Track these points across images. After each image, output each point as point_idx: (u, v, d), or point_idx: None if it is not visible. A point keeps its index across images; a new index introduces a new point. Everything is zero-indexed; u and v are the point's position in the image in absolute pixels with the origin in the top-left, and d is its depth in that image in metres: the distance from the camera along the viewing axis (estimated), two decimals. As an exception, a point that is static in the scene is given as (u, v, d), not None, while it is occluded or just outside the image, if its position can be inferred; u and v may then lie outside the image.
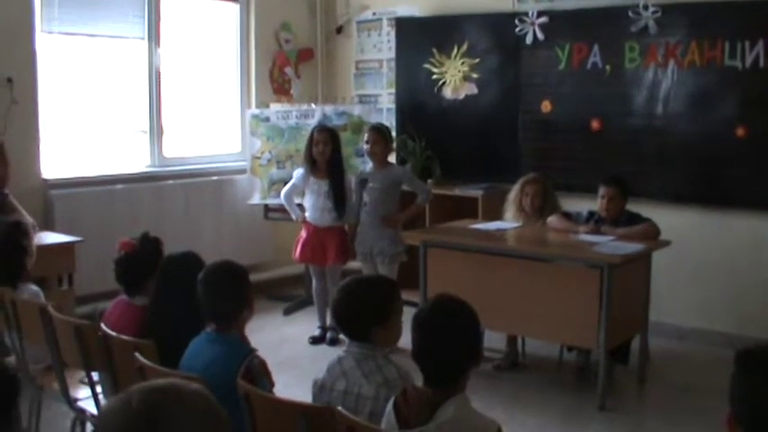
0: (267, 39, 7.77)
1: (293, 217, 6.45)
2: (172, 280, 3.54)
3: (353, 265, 6.38)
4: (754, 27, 5.85)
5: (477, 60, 7.12)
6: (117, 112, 6.84)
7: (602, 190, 5.55)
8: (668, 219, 5.74)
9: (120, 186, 6.57)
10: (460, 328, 2.53)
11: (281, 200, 6.50)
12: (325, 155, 6.13)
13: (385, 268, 5.98)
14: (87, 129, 6.63)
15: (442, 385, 2.48)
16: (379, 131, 6.14)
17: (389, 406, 2.55)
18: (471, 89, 7.19)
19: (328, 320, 6.32)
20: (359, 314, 2.93)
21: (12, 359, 4.21)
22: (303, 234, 6.35)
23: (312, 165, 6.19)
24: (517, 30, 6.82)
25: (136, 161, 6.90)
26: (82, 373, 3.78)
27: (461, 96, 7.25)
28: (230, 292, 3.22)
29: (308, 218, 6.30)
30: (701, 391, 5.24)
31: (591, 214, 5.62)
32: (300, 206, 6.40)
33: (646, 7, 6.22)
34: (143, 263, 3.74)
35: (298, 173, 6.34)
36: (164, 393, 1.58)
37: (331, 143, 6.16)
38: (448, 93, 7.30)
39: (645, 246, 5.26)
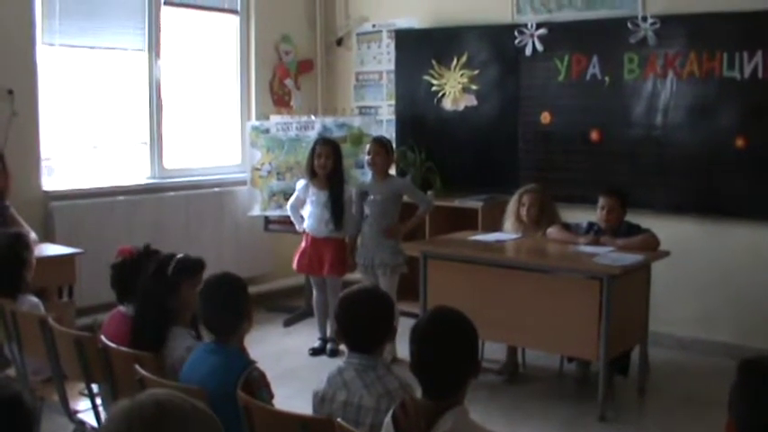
0: (267, 50, 7.78)
1: (299, 229, 6.46)
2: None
3: (354, 276, 6.37)
4: (752, 38, 5.87)
5: (476, 72, 7.14)
6: (117, 124, 6.85)
7: (601, 201, 5.56)
8: (668, 229, 5.74)
9: (120, 198, 6.57)
10: (459, 339, 2.53)
11: (288, 212, 6.51)
12: (326, 168, 6.15)
13: (386, 279, 5.97)
14: (88, 141, 6.64)
15: (441, 397, 2.48)
16: (382, 143, 6.16)
17: (388, 418, 2.55)
18: (471, 101, 7.21)
19: (329, 332, 6.32)
20: (373, 330, 2.97)
21: (11, 371, 4.22)
22: (302, 244, 6.37)
23: (312, 176, 6.20)
24: (516, 41, 6.84)
25: (136, 173, 6.91)
26: (82, 385, 3.79)
27: (461, 108, 7.26)
28: (229, 304, 3.23)
29: (306, 228, 6.31)
30: (701, 402, 5.24)
31: (591, 225, 5.63)
32: (303, 218, 6.41)
33: (645, 19, 6.25)
34: (139, 272, 3.75)
35: (300, 184, 6.36)
36: (171, 403, 1.63)
37: (333, 156, 6.17)
38: (447, 104, 7.32)
39: (644, 257, 5.26)
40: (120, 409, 1.63)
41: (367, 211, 6.12)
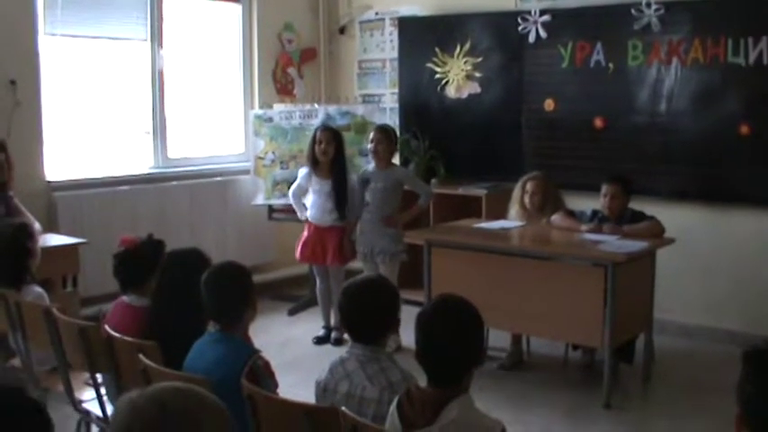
0: (270, 39, 7.76)
1: (300, 217, 6.45)
2: (174, 276, 3.54)
3: (357, 265, 6.37)
4: (757, 24, 5.84)
5: (479, 59, 7.11)
6: (120, 114, 6.84)
7: (604, 188, 5.55)
8: (672, 216, 5.73)
9: (124, 188, 6.57)
10: (463, 327, 2.52)
11: (290, 200, 6.50)
12: (328, 154, 6.13)
13: (386, 267, 5.98)
14: (91, 130, 6.64)
15: (446, 385, 2.48)
16: (385, 131, 6.15)
17: (393, 406, 2.55)
18: (474, 88, 7.18)
19: (332, 320, 6.32)
20: (377, 321, 2.96)
21: (16, 361, 4.23)
22: (305, 233, 6.36)
23: (315, 165, 6.19)
24: (520, 28, 6.81)
25: (140, 162, 6.91)
26: (86, 375, 3.78)
27: (464, 95, 7.24)
28: (233, 293, 3.23)
29: (309, 217, 6.30)
30: (706, 389, 5.23)
31: (595, 213, 5.62)
32: (305, 206, 6.40)
33: (648, 5, 6.21)
34: (141, 261, 3.75)
35: (302, 172, 6.35)
36: (192, 397, 1.61)
37: (334, 143, 6.16)
38: (451, 92, 7.30)
39: (649, 243, 5.25)
40: (122, 405, 1.60)
41: (368, 198, 6.12)
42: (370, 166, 6.27)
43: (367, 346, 2.93)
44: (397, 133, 6.70)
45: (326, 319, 6.40)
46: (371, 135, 6.17)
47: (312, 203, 6.27)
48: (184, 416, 1.58)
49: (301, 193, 6.39)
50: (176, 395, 1.61)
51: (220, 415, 1.64)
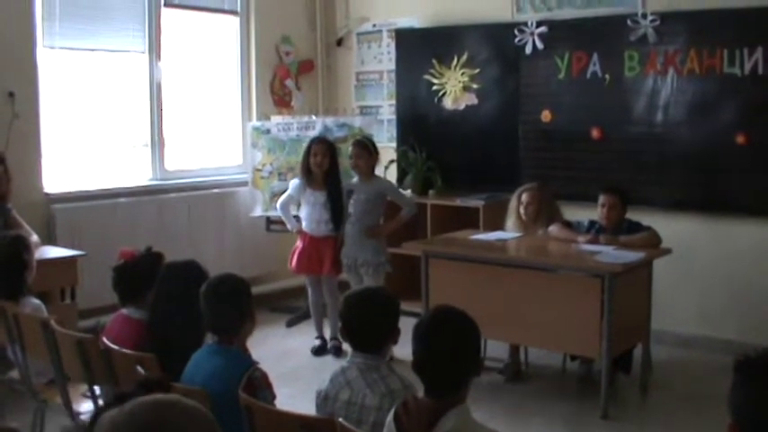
0: (268, 51, 7.78)
1: (289, 227, 6.47)
2: (172, 289, 3.54)
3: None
4: (752, 34, 5.87)
5: (477, 71, 7.13)
6: (118, 126, 6.85)
7: (601, 198, 5.57)
8: (669, 227, 5.74)
9: (122, 200, 6.58)
10: (460, 338, 2.53)
11: (278, 210, 6.51)
12: (323, 166, 6.15)
13: (370, 279, 5.99)
14: (89, 143, 6.65)
15: (443, 396, 2.48)
16: (361, 145, 6.15)
17: (390, 417, 2.55)
18: (471, 99, 7.20)
19: (327, 331, 6.32)
20: (378, 331, 2.98)
21: (15, 373, 4.23)
22: (299, 244, 6.36)
23: (308, 176, 6.20)
24: (517, 40, 6.83)
25: (138, 175, 6.91)
26: (84, 387, 3.79)
27: (462, 107, 7.26)
28: (232, 305, 3.23)
29: (304, 228, 6.31)
30: (703, 399, 5.23)
31: (592, 224, 5.63)
32: (297, 217, 6.42)
33: (645, 16, 6.24)
34: (140, 274, 3.75)
35: (293, 183, 6.36)
36: (170, 407, 1.59)
37: (329, 154, 6.17)
38: (448, 103, 7.31)
39: (646, 254, 5.26)
40: (107, 422, 1.59)
41: (350, 210, 6.13)
42: (356, 178, 6.27)
43: (367, 354, 2.94)
44: (395, 144, 6.69)
45: (319, 329, 6.41)
46: (350, 150, 6.18)
47: (306, 215, 6.28)
48: (168, 429, 1.56)
49: (292, 204, 6.40)
50: (163, 409, 1.60)
51: (206, 425, 1.62)
